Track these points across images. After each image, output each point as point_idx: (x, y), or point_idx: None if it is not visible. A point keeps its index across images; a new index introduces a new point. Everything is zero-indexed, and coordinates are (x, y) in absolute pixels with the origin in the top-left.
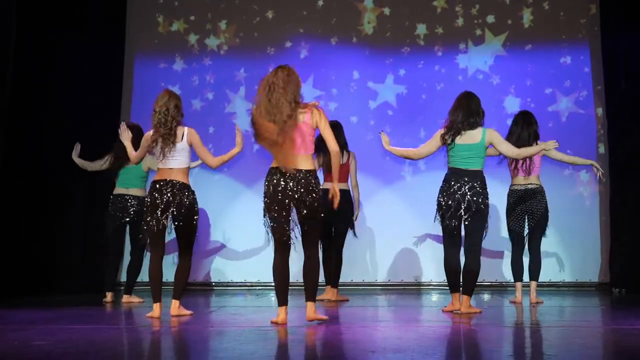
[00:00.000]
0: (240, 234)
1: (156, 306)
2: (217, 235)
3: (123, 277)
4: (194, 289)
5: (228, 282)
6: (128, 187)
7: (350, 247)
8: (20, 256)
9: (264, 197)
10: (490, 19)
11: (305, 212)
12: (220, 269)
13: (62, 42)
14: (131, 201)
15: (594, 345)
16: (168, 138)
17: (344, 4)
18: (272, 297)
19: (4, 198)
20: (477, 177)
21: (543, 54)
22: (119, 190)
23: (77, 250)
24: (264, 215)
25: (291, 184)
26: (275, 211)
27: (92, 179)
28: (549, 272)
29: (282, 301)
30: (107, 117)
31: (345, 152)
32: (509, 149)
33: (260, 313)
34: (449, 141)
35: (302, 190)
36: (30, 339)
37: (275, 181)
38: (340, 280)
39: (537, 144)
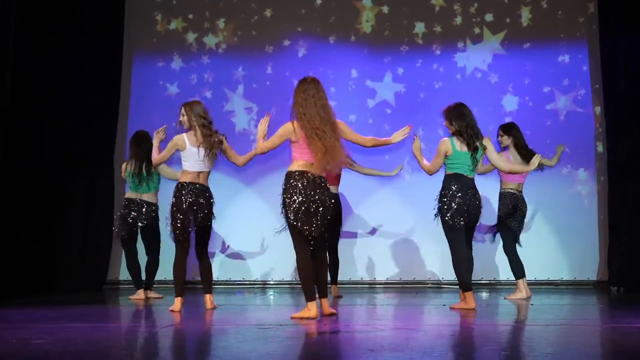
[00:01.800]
0: (239, 233)
1: (178, 300)
2: (216, 234)
3: (122, 275)
4: (192, 287)
5: (226, 281)
6: (141, 192)
7: (349, 245)
8: (20, 256)
9: (292, 201)
10: (489, 17)
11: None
12: (219, 268)
13: (61, 41)
14: (145, 207)
15: (593, 344)
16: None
17: (343, 3)
18: (271, 295)
19: (4, 198)
20: (473, 183)
21: (541, 52)
22: (131, 194)
23: (77, 250)
24: (289, 216)
25: (318, 190)
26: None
27: (91, 179)
28: (547, 270)
29: (312, 296)
30: (106, 116)
31: None
32: (499, 161)
33: (258, 312)
34: (466, 148)
35: (326, 195)
36: (29, 338)
37: (305, 186)
38: (339, 279)
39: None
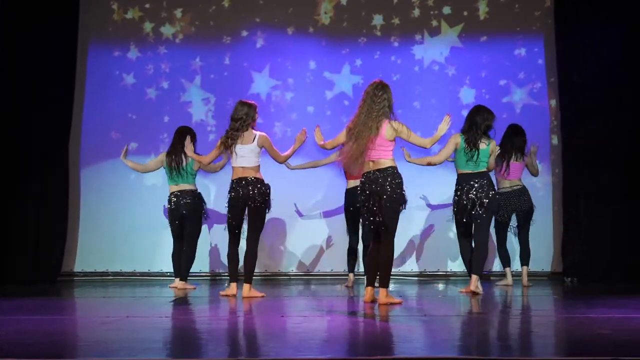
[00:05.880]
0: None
1: (233, 285)
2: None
3: (77, 267)
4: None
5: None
6: (179, 183)
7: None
8: None
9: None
10: (447, 10)
11: None
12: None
13: (13, 31)
14: (184, 196)
15: (546, 334)
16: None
17: None
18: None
19: None
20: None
21: (498, 45)
22: (172, 188)
23: (31, 242)
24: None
25: None
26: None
27: (46, 170)
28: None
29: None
30: (61, 106)
31: None
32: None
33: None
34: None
35: None
36: None
37: None
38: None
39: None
